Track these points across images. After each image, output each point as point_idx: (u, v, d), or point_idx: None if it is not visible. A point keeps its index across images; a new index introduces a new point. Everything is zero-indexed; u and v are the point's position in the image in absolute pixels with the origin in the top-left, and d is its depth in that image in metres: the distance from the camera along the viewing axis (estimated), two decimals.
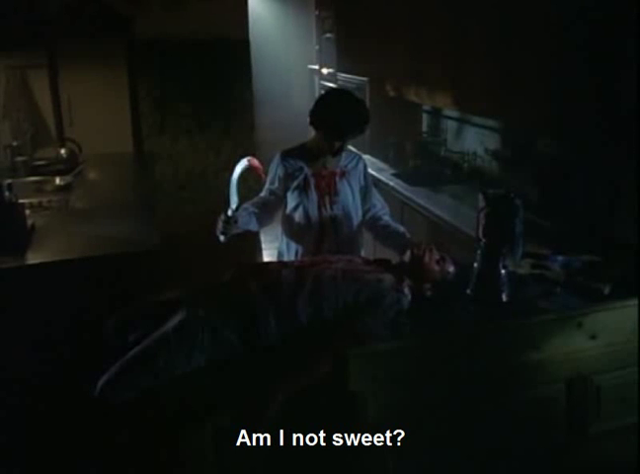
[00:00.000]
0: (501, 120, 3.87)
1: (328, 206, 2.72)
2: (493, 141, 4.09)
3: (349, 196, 2.76)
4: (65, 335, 2.51)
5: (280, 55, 7.58)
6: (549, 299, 2.15)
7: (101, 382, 1.83)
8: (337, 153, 2.69)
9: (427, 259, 2.22)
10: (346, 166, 2.77)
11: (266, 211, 2.75)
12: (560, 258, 2.44)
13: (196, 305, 1.95)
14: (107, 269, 2.69)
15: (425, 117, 5.19)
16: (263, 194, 2.79)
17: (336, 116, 2.61)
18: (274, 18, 7.75)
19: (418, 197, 3.98)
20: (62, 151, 4.42)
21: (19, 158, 4.26)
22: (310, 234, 2.72)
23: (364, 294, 2.01)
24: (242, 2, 5.22)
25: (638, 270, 2.23)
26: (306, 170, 2.71)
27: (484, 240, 2.17)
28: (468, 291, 2.19)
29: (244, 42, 5.23)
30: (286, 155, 2.75)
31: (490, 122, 4.06)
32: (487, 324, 2.06)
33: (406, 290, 2.06)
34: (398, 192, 4.21)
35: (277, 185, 2.75)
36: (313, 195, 2.70)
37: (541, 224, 3.09)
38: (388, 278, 2.08)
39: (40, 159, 4.41)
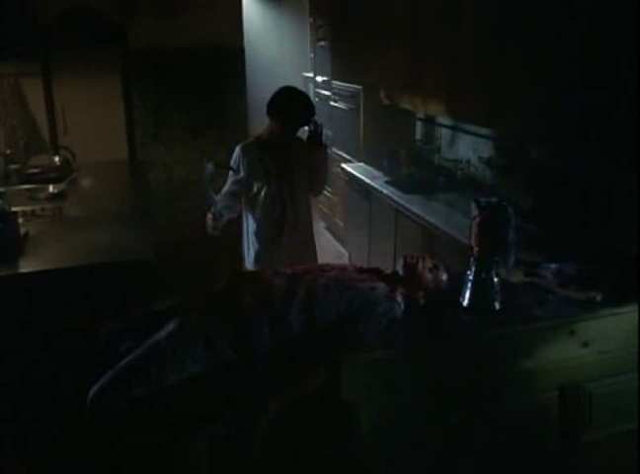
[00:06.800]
0: (494, 129, 3.89)
1: (286, 187, 3.27)
2: (487, 149, 4.10)
3: (302, 175, 3.33)
4: (58, 344, 2.51)
5: (275, 63, 7.60)
6: (542, 307, 2.16)
7: (92, 392, 1.82)
8: (288, 140, 3.25)
9: (420, 267, 2.22)
10: (296, 150, 3.30)
11: (235, 199, 3.24)
12: (552, 266, 2.44)
13: (189, 314, 1.94)
14: (100, 277, 2.68)
15: (419, 124, 5.22)
16: (227, 186, 3.27)
17: (289, 107, 3.18)
18: (268, 26, 7.78)
19: (411, 204, 3.99)
20: (56, 159, 4.42)
21: (12, 166, 4.26)
22: (274, 210, 3.27)
23: (357, 303, 2.00)
24: (237, 10, 5.24)
25: (638, 276, 2.24)
26: (265, 157, 3.24)
27: (477, 248, 2.17)
28: (461, 299, 2.20)
29: (239, 51, 5.25)
30: (245, 147, 3.28)
31: (484, 131, 4.08)
32: (480, 332, 2.06)
33: (399, 299, 2.06)
34: (392, 199, 4.22)
35: (240, 174, 3.24)
36: (274, 177, 3.24)
37: (534, 232, 3.11)
38: (381, 287, 2.08)
39: (33, 167, 4.41)
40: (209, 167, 2.96)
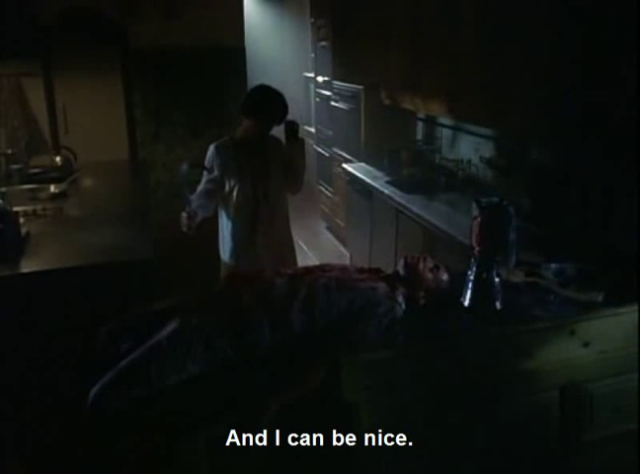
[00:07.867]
0: (495, 128, 3.89)
1: (260, 186, 3.28)
2: (487, 149, 4.10)
3: (277, 172, 3.34)
4: (58, 344, 2.51)
5: (276, 63, 7.60)
6: (542, 307, 2.15)
7: (92, 392, 1.82)
8: (263, 139, 3.29)
9: (421, 267, 2.22)
10: (271, 148, 3.35)
11: (210, 198, 3.22)
12: (553, 266, 2.44)
13: (189, 314, 1.94)
14: (100, 277, 2.68)
15: (420, 124, 5.22)
16: (202, 185, 3.25)
17: (263, 106, 3.21)
18: (269, 26, 7.78)
19: (413, 204, 3.99)
20: (57, 159, 4.42)
21: (14, 166, 4.26)
22: (248, 208, 3.29)
23: (358, 303, 2.00)
24: (238, 10, 5.24)
25: (639, 276, 2.24)
26: (240, 156, 3.25)
27: (478, 248, 2.17)
28: (462, 300, 2.20)
29: (239, 50, 5.24)
30: (220, 146, 3.29)
31: (484, 131, 4.08)
32: (480, 332, 2.06)
33: (400, 299, 2.06)
34: (393, 199, 4.22)
35: (214, 173, 3.25)
36: (248, 176, 3.26)
37: (534, 232, 3.10)
38: (382, 287, 2.08)
39: (34, 167, 4.40)
40: (184, 167, 3.00)
